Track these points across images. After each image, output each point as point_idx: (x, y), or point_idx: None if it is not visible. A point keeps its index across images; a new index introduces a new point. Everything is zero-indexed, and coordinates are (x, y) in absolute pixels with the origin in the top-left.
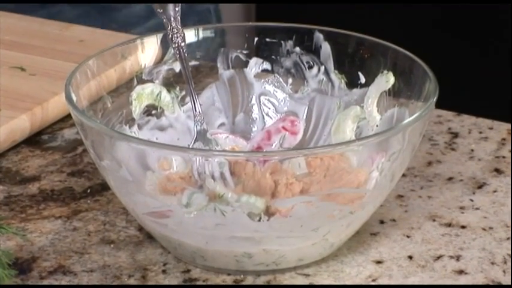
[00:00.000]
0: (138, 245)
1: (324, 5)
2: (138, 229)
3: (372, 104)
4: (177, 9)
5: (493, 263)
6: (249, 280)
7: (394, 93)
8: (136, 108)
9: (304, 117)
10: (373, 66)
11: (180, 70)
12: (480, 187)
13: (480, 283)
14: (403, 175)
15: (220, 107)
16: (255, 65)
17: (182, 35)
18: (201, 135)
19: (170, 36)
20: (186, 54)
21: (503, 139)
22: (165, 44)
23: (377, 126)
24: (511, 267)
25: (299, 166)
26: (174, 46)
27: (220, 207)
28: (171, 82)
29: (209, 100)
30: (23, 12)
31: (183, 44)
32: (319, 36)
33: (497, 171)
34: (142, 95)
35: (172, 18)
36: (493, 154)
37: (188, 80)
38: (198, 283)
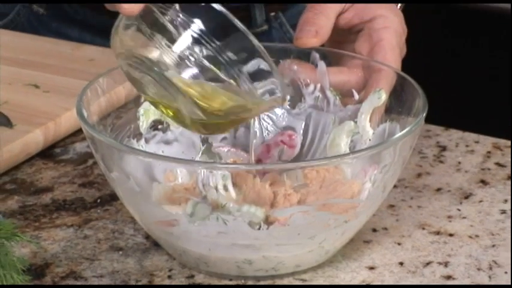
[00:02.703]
0: (145, 252)
1: None
2: (145, 237)
3: (365, 119)
4: None
5: (479, 269)
6: (250, 285)
7: (385, 109)
8: (144, 123)
9: (302, 131)
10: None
11: None
12: (467, 197)
13: None
14: (395, 186)
15: None
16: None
17: None
18: (207, 150)
19: None
20: None
21: (489, 152)
22: None
23: (370, 140)
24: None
25: (296, 178)
26: None
27: (222, 217)
28: None
29: None
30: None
31: None
32: (315, 56)
33: (483, 182)
34: (149, 111)
35: None
36: (478, 166)
37: None
38: None
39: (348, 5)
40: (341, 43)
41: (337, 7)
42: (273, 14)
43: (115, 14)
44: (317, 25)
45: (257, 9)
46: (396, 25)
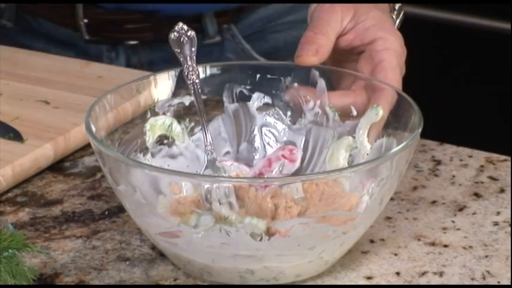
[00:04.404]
0: (151, 262)
1: None
2: (151, 248)
3: (362, 134)
4: (193, 49)
5: (472, 279)
6: None
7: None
8: (150, 138)
9: (302, 146)
10: None
11: (190, 104)
12: (461, 210)
13: None
14: (391, 199)
15: (225, 137)
16: (257, 99)
17: (197, 72)
18: (211, 164)
19: (186, 73)
20: (200, 90)
21: (482, 166)
22: (176, 80)
23: (367, 154)
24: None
25: (297, 191)
26: (189, 83)
27: (225, 228)
28: (181, 114)
29: (216, 131)
30: None
31: (197, 80)
32: (315, 73)
33: (476, 195)
34: (155, 126)
35: (188, 57)
36: (472, 180)
37: (201, 113)
38: None
39: (348, 26)
40: (342, 62)
41: (337, 28)
42: (225, 26)
43: (77, 27)
44: (317, 44)
45: (208, 21)
46: (396, 46)
